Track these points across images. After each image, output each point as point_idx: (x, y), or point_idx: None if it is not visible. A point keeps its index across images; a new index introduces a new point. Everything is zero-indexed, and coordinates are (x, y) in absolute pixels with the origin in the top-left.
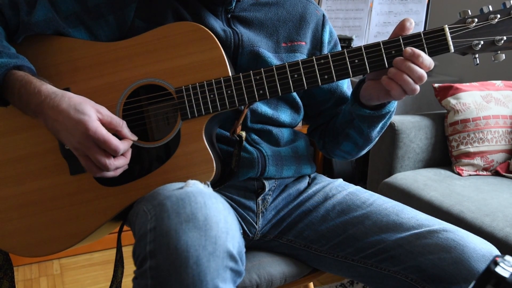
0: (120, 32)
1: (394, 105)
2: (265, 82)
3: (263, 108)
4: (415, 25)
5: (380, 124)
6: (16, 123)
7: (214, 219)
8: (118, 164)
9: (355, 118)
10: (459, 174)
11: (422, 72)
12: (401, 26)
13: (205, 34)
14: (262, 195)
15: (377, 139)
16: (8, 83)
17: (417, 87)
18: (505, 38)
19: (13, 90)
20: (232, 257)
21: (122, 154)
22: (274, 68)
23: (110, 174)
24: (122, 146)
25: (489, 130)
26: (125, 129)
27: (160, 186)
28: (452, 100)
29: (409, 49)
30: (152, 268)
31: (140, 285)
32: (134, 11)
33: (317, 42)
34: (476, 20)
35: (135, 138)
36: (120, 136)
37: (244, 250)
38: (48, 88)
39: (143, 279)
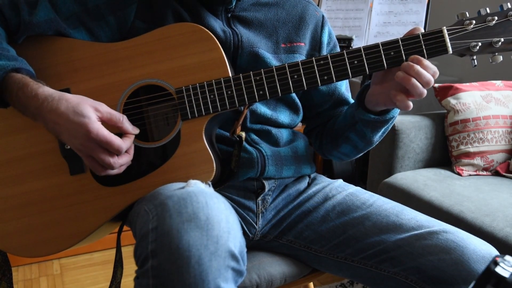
0: (120, 33)
1: (398, 110)
2: (265, 82)
3: (262, 108)
4: (415, 25)
5: (383, 129)
6: (16, 123)
7: (216, 218)
8: (122, 162)
9: (358, 122)
10: (459, 174)
11: (430, 76)
12: (410, 34)
13: (206, 35)
14: (261, 195)
15: (377, 142)
16: (6, 86)
17: (424, 91)
18: (502, 40)
19: (11, 93)
20: (233, 256)
21: (126, 151)
22: (274, 69)
23: (115, 172)
24: (125, 144)
25: (489, 130)
26: (125, 124)
27: (161, 186)
28: (452, 100)
29: (413, 56)
30: (154, 268)
31: (142, 285)
32: (135, 12)
33: (316, 43)
34: (474, 22)
35: (137, 131)
36: (121, 131)
37: (245, 249)
38: (45, 90)
39: (145, 279)
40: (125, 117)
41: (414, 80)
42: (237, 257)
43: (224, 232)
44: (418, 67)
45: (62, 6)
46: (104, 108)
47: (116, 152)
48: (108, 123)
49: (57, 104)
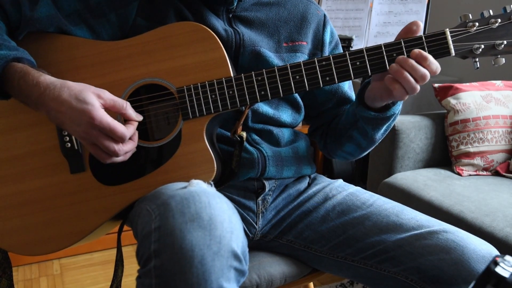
0: (122, 31)
1: (399, 107)
2: (266, 83)
3: (264, 108)
4: None
5: (385, 127)
6: (17, 121)
7: (219, 218)
8: (127, 149)
9: (359, 120)
10: (459, 174)
11: (425, 71)
12: (407, 29)
13: (207, 34)
14: (262, 195)
15: (380, 140)
16: (8, 76)
17: (417, 86)
18: (505, 42)
19: (13, 82)
20: (236, 256)
21: (130, 138)
22: (276, 69)
23: (120, 159)
24: (128, 131)
25: (489, 130)
26: (129, 110)
27: (163, 186)
28: (452, 100)
29: (416, 50)
30: (157, 268)
31: (145, 284)
32: (136, 9)
33: (318, 42)
34: (477, 24)
35: (140, 118)
36: (125, 118)
37: (247, 249)
38: (46, 79)
39: (148, 278)
40: (128, 103)
41: (406, 74)
42: (239, 257)
43: (227, 232)
44: (412, 62)
45: (64, 2)
46: (107, 95)
47: (120, 139)
48: (111, 110)
49: (59, 91)
